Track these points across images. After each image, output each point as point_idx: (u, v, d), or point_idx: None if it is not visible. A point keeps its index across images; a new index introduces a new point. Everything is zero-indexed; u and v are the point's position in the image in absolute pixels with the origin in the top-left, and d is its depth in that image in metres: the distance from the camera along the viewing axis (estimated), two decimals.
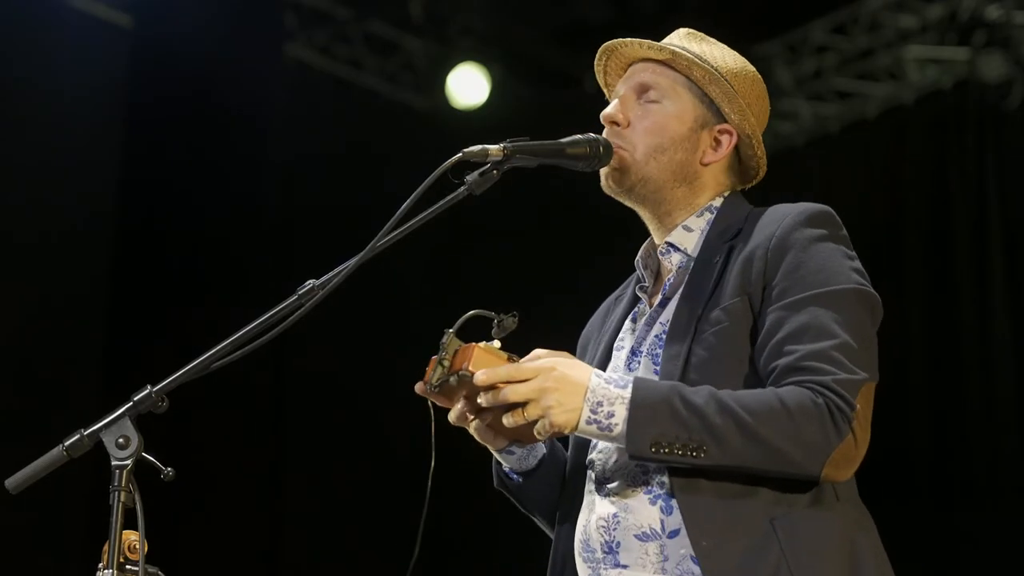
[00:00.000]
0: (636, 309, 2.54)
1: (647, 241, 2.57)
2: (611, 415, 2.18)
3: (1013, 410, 6.61)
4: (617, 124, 2.49)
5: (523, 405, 2.19)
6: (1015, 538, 6.37)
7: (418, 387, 2.30)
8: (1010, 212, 6.85)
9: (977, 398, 6.70)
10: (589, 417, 2.18)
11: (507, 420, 2.22)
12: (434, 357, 2.27)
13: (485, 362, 2.22)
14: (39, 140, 6.30)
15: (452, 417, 2.33)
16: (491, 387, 2.20)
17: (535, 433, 2.23)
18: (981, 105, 7.03)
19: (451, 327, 2.25)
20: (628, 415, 2.17)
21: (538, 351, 2.26)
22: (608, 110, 2.52)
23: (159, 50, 6.52)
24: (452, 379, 2.24)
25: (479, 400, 2.23)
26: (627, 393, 2.18)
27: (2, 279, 6.10)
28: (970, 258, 6.89)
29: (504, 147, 2.35)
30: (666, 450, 2.15)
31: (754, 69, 2.56)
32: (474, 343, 2.25)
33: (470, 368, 2.22)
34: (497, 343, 2.26)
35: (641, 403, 2.17)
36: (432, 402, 2.34)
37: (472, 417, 2.33)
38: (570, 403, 2.18)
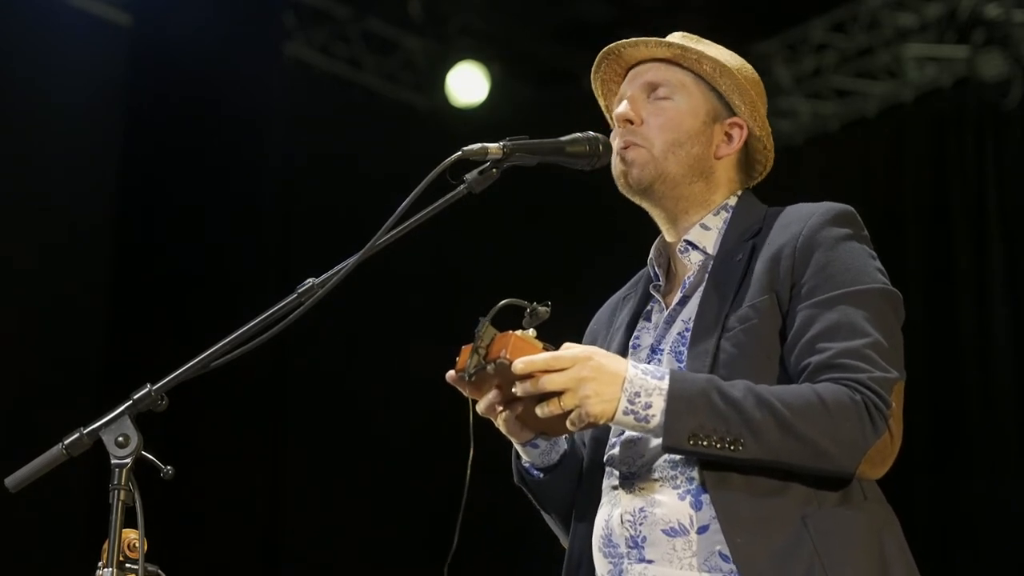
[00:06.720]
0: (649, 307, 2.53)
1: (658, 240, 2.56)
2: (648, 406, 2.16)
3: (1012, 409, 6.61)
4: (631, 122, 2.48)
5: (559, 394, 2.16)
6: (1013, 536, 6.38)
7: (450, 376, 2.27)
8: (1009, 210, 6.85)
9: (976, 396, 6.70)
10: (626, 408, 2.16)
11: (541, 410, 2.18)
12: (466, 346, 2.22)
13: (522, 350, 2.17)
14: (38, 140, 6.30)
15: (481, 408, 2.29)
16: (527, 376, 2.16)
17: (568, 423, 2.19)
18: (980, 103, 7.03)
19: (484, 315, 2.20)
20: (666, 406, 2.15)
21: (569, 344, 2.23)
22: (620, 109, 2.50)
23: (158, 49, 6.51)
24: (489, 367, 2.19)
25: (514, 389, 2.19)
26: (664, 384, 2.17)
27: (2, 279, 6.09)
28: (969, 256, 6.89)
29: (503, 145, 2.34)
30: (704, 443, 2.13)
31: (752, 67, 2.57)
32: (510, 331, 2.20)
33: (508, 356, 2.16)
34: (532, 332, 2.22)
35: (679, 395, 2.15)
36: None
37: (501, 408, 2.30)
38: (607, 393, 2.16)
